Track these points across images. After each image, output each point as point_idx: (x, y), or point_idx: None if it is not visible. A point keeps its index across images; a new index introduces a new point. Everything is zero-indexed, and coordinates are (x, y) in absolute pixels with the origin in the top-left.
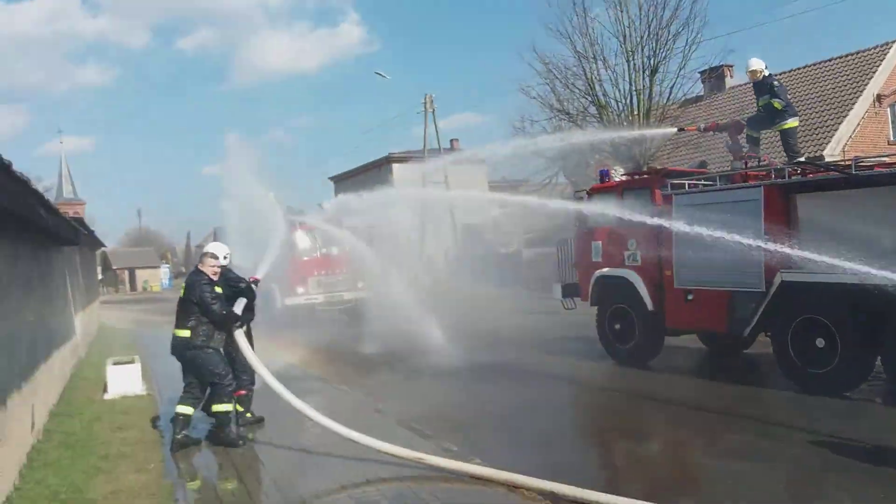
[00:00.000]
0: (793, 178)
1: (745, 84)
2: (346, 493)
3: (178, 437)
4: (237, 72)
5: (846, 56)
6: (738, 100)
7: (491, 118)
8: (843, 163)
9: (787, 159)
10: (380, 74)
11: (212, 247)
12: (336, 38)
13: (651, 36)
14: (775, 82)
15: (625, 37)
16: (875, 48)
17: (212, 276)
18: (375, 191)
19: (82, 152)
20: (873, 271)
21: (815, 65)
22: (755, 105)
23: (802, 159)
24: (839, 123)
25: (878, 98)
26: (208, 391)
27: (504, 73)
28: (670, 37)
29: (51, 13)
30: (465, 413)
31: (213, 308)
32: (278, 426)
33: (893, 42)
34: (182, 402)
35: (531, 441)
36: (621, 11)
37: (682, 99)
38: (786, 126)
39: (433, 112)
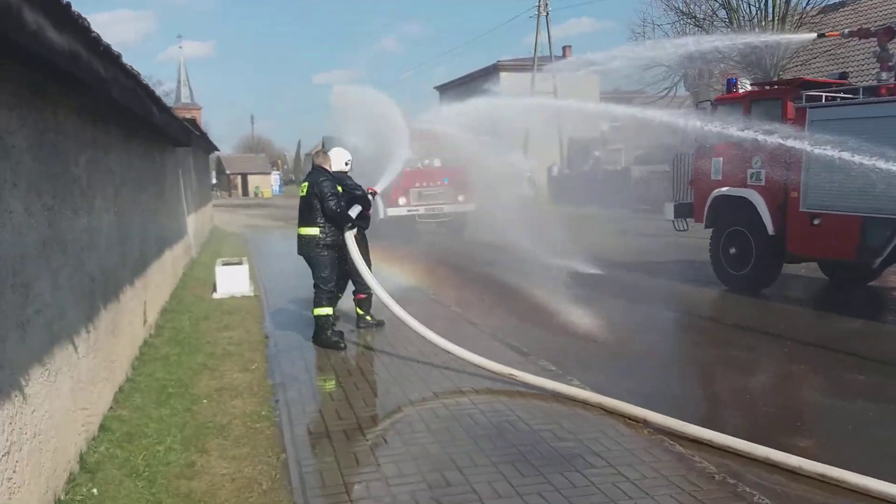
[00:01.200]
0: None
1: None
2: (441, 402)
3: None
4: None
5: None
6: (889, 6)
7: (609, 24)
8: None
9: None
10: None
11: (335, 151)
12: None
13: None
14: None
15: None
16: None
17: (331, 174)
18: (472, 100)
19: (202, 58)
20: None
21: None
22: None
23: None
24: None
25: None
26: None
27: None
28: None
29: None
30: (564, 336)
31: (329, 203)
32: (382, 334)
33: None
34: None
35: (632, 368)
36: None
37: (823, 4)
38: None
39: (546, 16)
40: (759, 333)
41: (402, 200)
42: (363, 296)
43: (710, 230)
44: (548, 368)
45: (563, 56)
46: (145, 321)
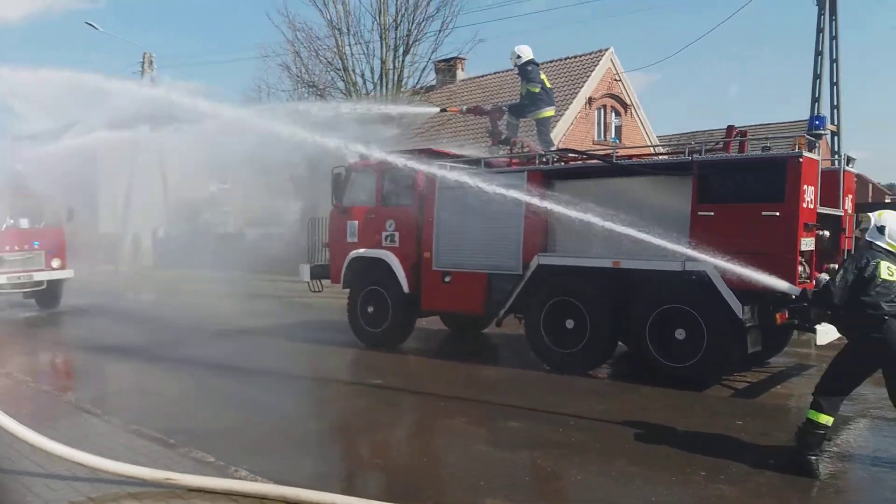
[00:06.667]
0: (555, 164)
1: (476, 78)
2: None
3: None
4: None
5: (565, 59)
6: (468, 93)
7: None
8: (599, 152)
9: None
10: (91, 25)
11: None
12: None
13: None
14: (529, 67)
15: (379, 12)
16: (590, 54)
17: None
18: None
19: None
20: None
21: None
22: (518, 92)
23: (554, 148)
24: (556, 121)
25: (589, 101)
26: None
27: (246, 39)
28: (424, 20)
29: None
30: (209, 416)
31: None
32: None
33: (606, 50)
34: None
35: (289, 445)
36: None
37: (421, 86)
38: (541, 115)
39: (152, 74)
40: (409, 392)
41: None
42: None
43: (347, 290)
44: (205, 460)
45: None
46: None
